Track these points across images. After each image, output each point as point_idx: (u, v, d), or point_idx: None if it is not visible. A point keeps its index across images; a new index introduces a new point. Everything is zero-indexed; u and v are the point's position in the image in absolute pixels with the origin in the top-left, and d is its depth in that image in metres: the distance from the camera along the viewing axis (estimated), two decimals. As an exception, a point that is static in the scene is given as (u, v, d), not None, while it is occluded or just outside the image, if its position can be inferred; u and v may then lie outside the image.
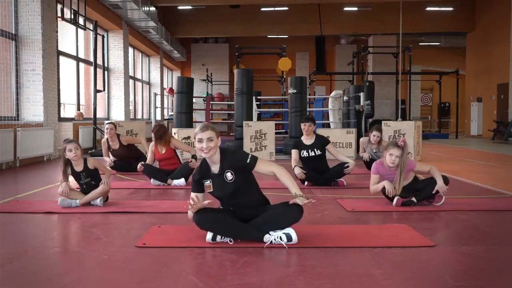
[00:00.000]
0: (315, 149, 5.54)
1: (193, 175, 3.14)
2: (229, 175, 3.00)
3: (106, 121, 7.17)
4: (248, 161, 2.99)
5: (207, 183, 3.05)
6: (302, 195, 2.99)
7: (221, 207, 3.23)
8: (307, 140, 5.62)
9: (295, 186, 3.02)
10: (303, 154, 5.57)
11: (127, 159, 6.93)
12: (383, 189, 4.23)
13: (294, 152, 5.58)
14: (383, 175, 4.28)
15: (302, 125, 5.62)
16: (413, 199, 4.22)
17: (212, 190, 3.06)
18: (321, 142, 5.59)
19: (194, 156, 5.77)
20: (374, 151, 6.90)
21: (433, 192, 4.20)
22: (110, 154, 6.97)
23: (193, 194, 3.06)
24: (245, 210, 3.11)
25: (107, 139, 6.96)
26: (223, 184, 3.02)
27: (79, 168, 4.25)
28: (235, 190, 3.03)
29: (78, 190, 4.34)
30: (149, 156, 5.99)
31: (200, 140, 2.95)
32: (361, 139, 7.24)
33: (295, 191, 3.00)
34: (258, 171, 3.04)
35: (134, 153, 7.04)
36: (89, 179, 4.28)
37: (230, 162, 3.01)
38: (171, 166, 5.87)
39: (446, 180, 4.20)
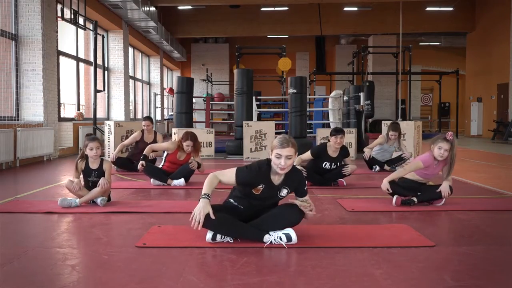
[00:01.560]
0: (338, 163, 5.47)
1: (251, 167, 2.96)
2: (284, 191, 3.02)
3: (144, 117, 7.25)
4: (305, 189, 3.10)
5: (260, 186, 2.97)
6: (308, 200, 3.03)
7: (228, 201, 3.17)
8: (333, 151, 5.44)
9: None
10: (325, 165, 5.41)
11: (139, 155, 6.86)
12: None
13: (307, 156, 5.37)
14: (429, 166, 4.22)
15: (334, 138, 5.35)
16: (414, 198, 4.22)
17: (258, 194, 2.99)
18: (344, 155, 5.53)
19: (198, 163, 5.76)
20: (389, 145, 6.97)
21: (437, 190, 4.21)
22: (119, 148, 6.93)
23: (226, 176, 2.94)
24: (254, 213, 3.09)
25: (143, 131, 7.07)
26: (273, 195, 3.02)
27: (94, 166, 4.33)
28: (275, 202, 3.09)
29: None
30: (160, 146, 5.98)
31: (278, 156, 2.85)
32: (380, 137, 7.05)
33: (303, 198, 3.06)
34: (297, 197, 3.12)
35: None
36: (97, 179, 4.31)
37: (293, 181, 3.01)
38: (174, 170, 5.84)
39: (450, 189, 4.21)
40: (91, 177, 4.33)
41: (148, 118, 7.13)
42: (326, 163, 5.43)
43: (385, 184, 4.24)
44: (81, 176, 4.39)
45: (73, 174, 4.39)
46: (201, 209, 2.86)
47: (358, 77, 20.13)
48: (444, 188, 4.17)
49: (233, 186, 3.11)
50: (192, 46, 23.67)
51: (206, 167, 7.26)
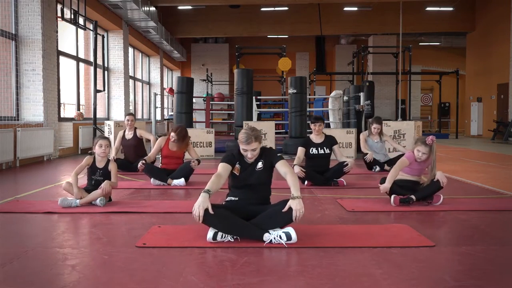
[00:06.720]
0: (325, 148, 5.67)
1: (229, 149, 3.33)
2: (259, 164, 3.29)
3: (126, 113, 7.33)
4: (277, 156, 3.31)
5: (237, 165, 3.28)
6: (299, 196, 3.02)
7: (226, 200, 3.32)
8: (316, 138, 5.72)
9: (297, 188, 3.09)
10: (312, 151, 5.64)
11: (132, 152, 6.99)
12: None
13: (300, 150, 5.63)
14: (411, 163, 4.37)
15: (313, 126, 5.72)
16: (412, 196, 4.23)
17: (238, 174, 3.27)
18: (331, 142, 5.72)
19: (198, 160, 5.79)
20: (375, 141, 7.01)
21: (434, 180, 4.24)
22: (114, 151, 7.00)
23: (220, 169, 3.20)
24: (250, 204, 3.23)
25: (125, 130, 7.16)
26: (251, 171, 3.28)
27: (100, 164, 4.39)
28: (258, 179, 3.27)
29: (82, 188, 4.38)
30: (154, 149, 5.98)
31: (245, 150, 3.23)
32: (361, 135, 7.21)
33: (293, 192, 3.05)
34: (277, 168, 3.26)
35: (140, 149, 7.10)
36: (101, 178, 4.35)
37: (264, 155, 3.31)
38: (173, 166, 5.85)
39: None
40: (95, 175, 4.37)
41: (131, 114, 7.23)
42: (312, 149, 5.64)
43: (386, 187, 4.28)
44: (81, 175, 4.39)
45: (75, 170, 4.31)
46: (201, 203, 2.93)
47: (358, 77, 20.12)
48: (440, 175, 4.23)
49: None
50: (192, 46, 23.67)
51: (206, 167, 7.27)
